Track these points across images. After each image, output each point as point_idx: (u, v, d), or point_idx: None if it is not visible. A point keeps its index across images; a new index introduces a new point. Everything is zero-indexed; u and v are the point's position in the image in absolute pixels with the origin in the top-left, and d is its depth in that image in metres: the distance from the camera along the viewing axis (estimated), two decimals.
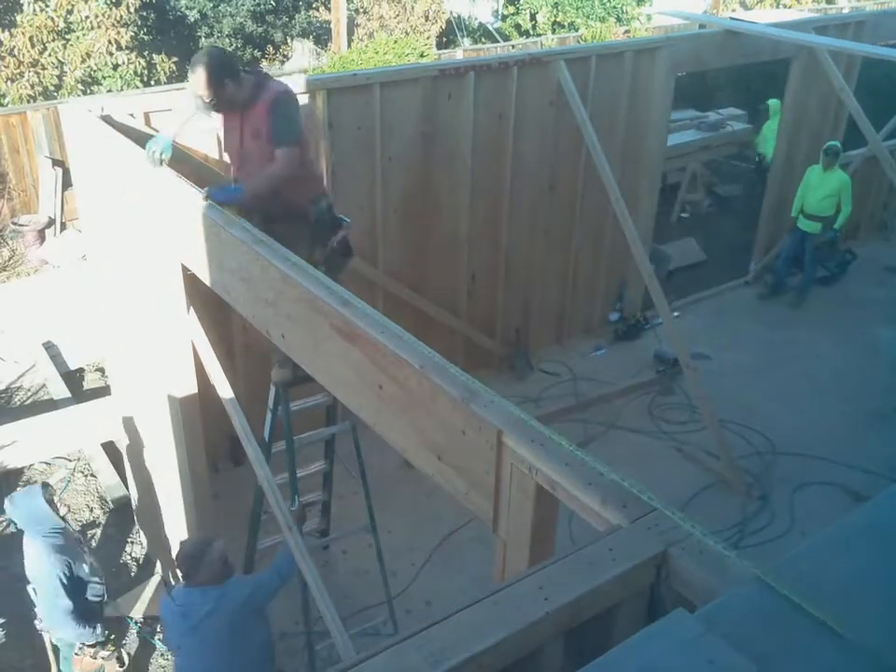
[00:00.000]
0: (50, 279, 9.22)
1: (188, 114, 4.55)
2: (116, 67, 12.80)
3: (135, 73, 12.90)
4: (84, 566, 4.55)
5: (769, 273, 9.04)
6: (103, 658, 4.70)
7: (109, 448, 6.74)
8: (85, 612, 4.50)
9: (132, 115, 4.95)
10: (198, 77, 4.02)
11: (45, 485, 4.64)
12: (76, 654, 4.67)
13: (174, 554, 4.94)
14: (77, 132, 4.67)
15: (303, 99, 5.67)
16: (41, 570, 4.44)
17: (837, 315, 8.44)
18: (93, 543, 6.04)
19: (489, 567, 2.76)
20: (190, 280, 4.01)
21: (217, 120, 4.39)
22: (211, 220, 3.41)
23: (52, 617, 4.53)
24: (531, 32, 17.00)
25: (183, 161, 5.00)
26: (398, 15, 15.60)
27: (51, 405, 7.22)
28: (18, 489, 4.80)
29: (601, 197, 6.89)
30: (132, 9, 12.78)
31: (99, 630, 4.60)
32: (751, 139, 11.12)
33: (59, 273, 9.43)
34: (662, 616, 1.66)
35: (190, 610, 3.73)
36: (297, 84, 5.73)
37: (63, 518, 4.62)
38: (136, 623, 5.38)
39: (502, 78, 6.44)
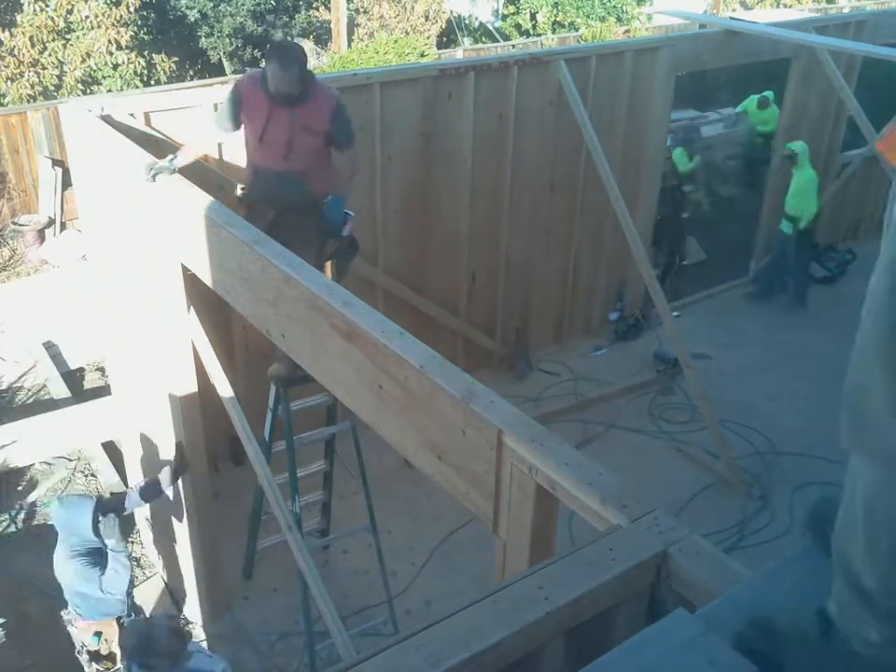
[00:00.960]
0: (50, 279, 9.22)
1: (203, 146, 4.64)
2: (116, 67, 12.81)
3: (135, 73, 12.90)
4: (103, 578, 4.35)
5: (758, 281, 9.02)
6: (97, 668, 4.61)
7: (109, 447, 6.74)
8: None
9: (132, 115, 4.95)
10: (291, 75, 4.21)
11: (99, 503, 4.38)
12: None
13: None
14: (76, 131, 4.67)
15: None
16: (61, 575, 4.34)
17: (837, 314, 8.42)
18: None
19: (489, 567, 2.77)
20: (190, 280, 4.01)
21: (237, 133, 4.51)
22: (211, 220, 3.41)
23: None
24: (531, 31, 17.00)
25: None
26: (398, 15, 15.61)
27: (52, 405, 7.22)
28: (68, 494, 4.55)
29: (601, 197, 6.88)
30: (132, 9, 12.78)
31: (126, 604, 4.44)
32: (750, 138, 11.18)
33: (59, 272, 9.43)
34: (662, 616, 1.66)
35: None
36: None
37: (101, 536, 4.32)
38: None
39: (502, 78, 6.44)
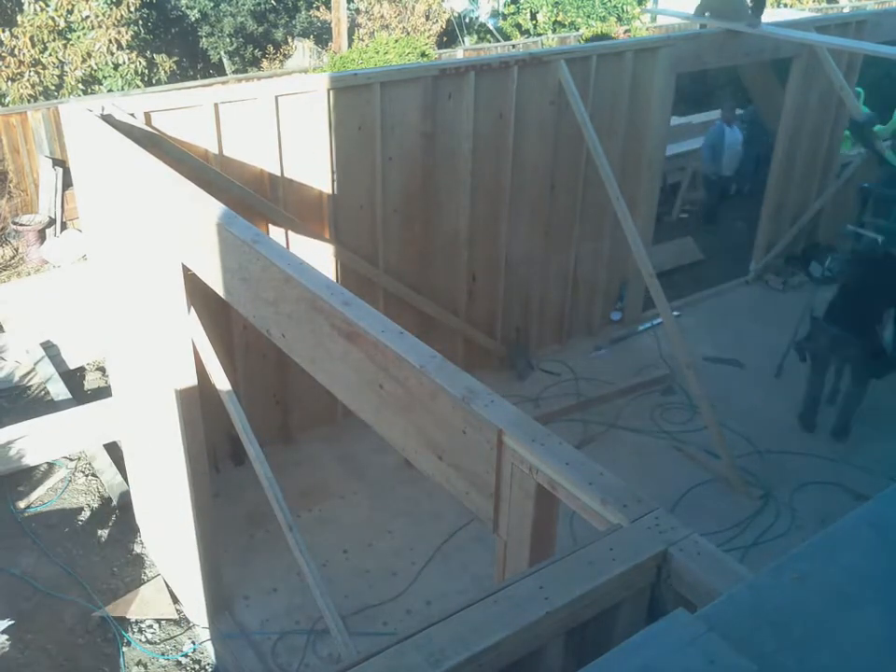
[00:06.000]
0: (51, 279, 9.23)
1: None
2: (116, 67, 12.83)
3: (136, 72, 12.93)
4: None
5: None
6: None
7: (111, 447, 6.75)
8: None
9: (132, 115, 4.95)
10: None
11: None
12: None
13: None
14: (77, 131, 4.67)
15: (313, 98, 5.68)
16: None
17: None
18: (94, 543, 6.05)
19: (489, 566, 2.77)
20: (190, 280, 4.01)
21: None
22: (211, 220, 3.41)
23: None
24: (532, 31, 17.01)
25: (182, 161, 5.01)
26: (398, 14, 15.61)
27: (52, 405, 7.23)
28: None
29: (601, 197, 6.88)
30: (132, 9, 12.80)
31: None
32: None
33: (59, 272, 9.45)
34: (662, 616, 1.66)
35: None
36: (317, 83, 5.71)
37: None
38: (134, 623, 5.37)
39: (503, 78, 6.44)
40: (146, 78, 13.21)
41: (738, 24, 7.51)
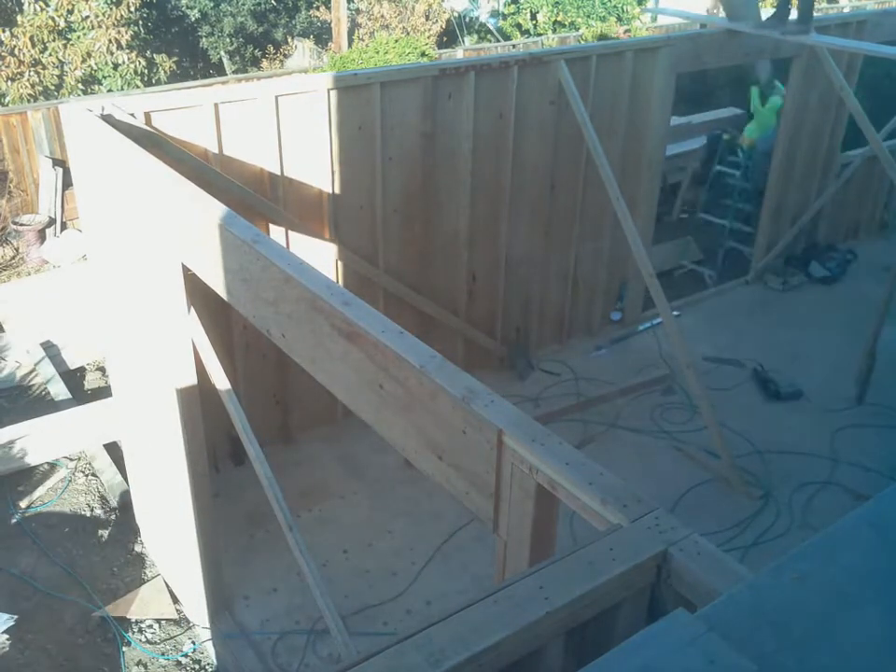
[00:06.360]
0: (51, 279, 9.23)
1: None
2: (116, 67, 12.84)
3: (136, 72, 12.94)
4: None
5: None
6: None
7: (111, 447, 6.75)
8: None
9: (132, 115, 4.95)
10: None
11: None
12: None
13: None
14: (77, 131, 4.67)
15: (313, 98, 5.68)
16: None
17: (837, 314, 8.45)
18: (94, 543, 6.05)
19: (490, 566, 2.77)
20: (190, 280, 4.01)
21: None
22: (211, 220, 3.41)
23: None
24: (532, 31, 17.01)
25: (182, 161, 5.01)
26: (398, 14, 15.61)
27: (53, 405, 7.23)
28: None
29: (601, 196, 6.88)
30: (132, 9, 12.80)
31: None
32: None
33: (59, 272, 9.45)
34: (662, 616, 1.66)
35: None
36: (317, 83, 5.71)
37: None
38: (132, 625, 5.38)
39: (503, 78, 6.44)
40: (145, 78, 13.22)
41: (740, 24, 7.51)
